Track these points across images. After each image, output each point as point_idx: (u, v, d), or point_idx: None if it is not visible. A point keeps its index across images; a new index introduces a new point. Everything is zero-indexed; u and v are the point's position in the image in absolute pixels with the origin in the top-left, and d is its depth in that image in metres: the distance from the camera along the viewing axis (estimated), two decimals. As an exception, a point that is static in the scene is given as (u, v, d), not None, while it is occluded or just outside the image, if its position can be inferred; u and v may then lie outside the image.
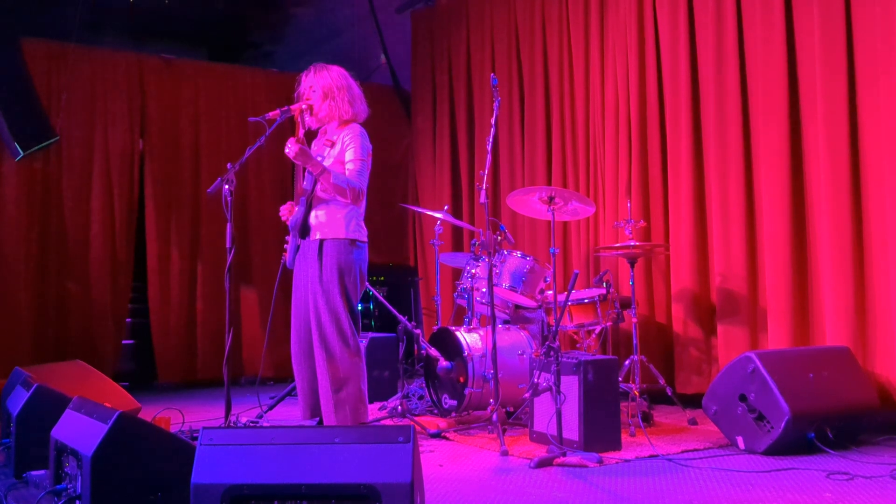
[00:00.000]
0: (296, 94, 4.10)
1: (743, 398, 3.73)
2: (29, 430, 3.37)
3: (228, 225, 3.44)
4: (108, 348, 6.72)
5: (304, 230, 3.99)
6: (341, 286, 3.87)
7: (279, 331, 6.73)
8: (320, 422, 3.97)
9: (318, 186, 3.94)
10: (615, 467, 3.50)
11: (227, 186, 3.46)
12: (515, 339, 4.70)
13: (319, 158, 4.03)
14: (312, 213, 3.99)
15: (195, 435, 2.31)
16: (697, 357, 5.04)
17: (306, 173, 3.97)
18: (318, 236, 3.95)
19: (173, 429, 4.19)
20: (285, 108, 3.90)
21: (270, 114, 3.82)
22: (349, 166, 3.95)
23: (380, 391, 5.42)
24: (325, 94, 4.02)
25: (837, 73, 4.29)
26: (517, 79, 6.52)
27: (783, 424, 3.54)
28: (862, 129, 4.24)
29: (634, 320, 4.66)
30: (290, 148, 3.77)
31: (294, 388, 5.21)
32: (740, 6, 4.83)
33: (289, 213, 4.07)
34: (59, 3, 6.68)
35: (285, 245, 4.06)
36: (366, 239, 4.04)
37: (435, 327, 5.04)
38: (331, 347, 3.84)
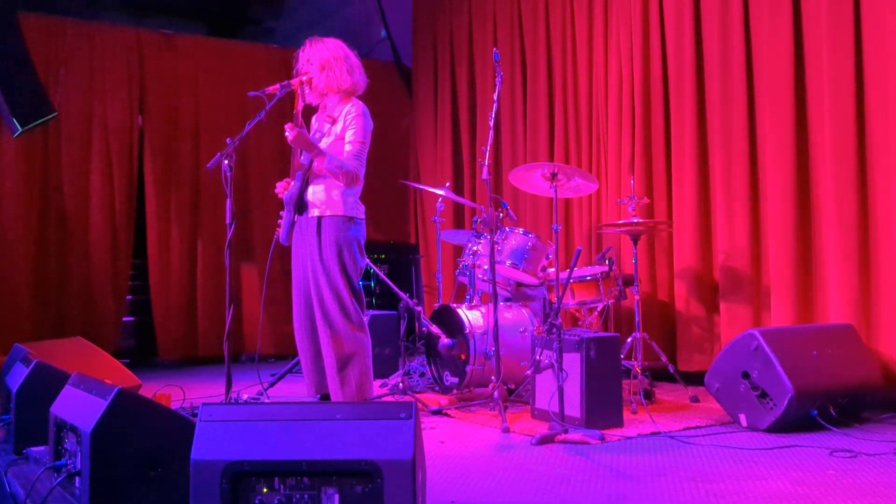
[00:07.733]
0: (294, 70, 4.07)
1: (746, 375, 3.71)
2: (29, 407, 3.36)
3: (228, 200, 3.42)
4: (108, 325, 6.73)
5: (301, 206, 3.95)
6: (341, 263, 3.85)
7: (280, 308, 6.71)
8: (325, 397, 3.96)
9: (315, 163, 3.91)
10: (617, 444, 3.49)
11: (226, 161, 3.43)
12: (517, 317, 4.68)
13: (319, 135, 4.00)
14: (309, 189, 3.95)
15: (195, 411, 2.29)
16: (700, 335, 5.03)
17: None
18: (315, 213, 3.92)
19: (174, 405, 4.19)
20: (285, 82, 3.87)
21: (270, 88, 3.79)
22: (347, 147, 3.91)
23: (381, 368, 5.40)
24: (323, 65, 3.98)
25: (844, 46, 4.22)
26: (519, 53, 6.46)
27: (786, 402, 3.53)
28: (868, 105, 4.18)
29: (637, 298, 4.63)
30: (289, 133, 3.75)
31: (296, 365, 5.21)
32: (746, -20, 4.77)
33: (285, 188, 4.03)
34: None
35: (279, 221, 4.02)
36: (363, 215, 4.01)
37: (436, 305, 5.02)
38: (334, 324, 3.83)
